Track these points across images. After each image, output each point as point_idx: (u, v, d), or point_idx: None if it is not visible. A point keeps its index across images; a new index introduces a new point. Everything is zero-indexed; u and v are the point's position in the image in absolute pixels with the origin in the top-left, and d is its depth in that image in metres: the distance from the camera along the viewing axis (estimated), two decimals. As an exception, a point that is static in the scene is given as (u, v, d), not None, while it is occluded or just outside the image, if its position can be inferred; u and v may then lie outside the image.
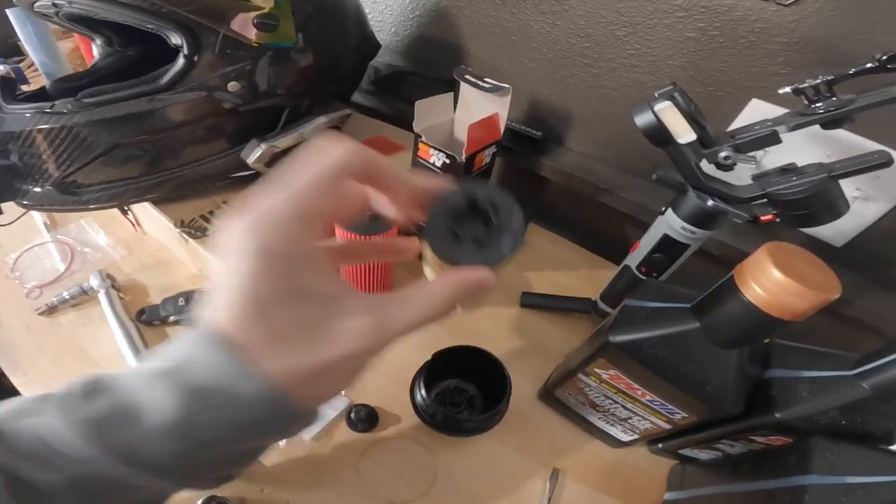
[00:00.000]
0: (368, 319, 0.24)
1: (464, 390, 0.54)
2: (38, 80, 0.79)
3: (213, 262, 0.25)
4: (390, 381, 0.54)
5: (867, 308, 0.55)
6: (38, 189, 0.47)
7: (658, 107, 0.42)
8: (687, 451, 0.49)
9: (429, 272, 0.36)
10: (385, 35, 0.78)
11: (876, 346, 0.54)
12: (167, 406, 0.23)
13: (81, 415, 0.23)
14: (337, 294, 0.25)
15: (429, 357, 0.51)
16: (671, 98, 0.42)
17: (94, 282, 0.56)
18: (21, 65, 0.79)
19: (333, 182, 0.24)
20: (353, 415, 0.51)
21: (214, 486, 0.29)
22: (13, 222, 0.51)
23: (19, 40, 0.69)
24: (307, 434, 0.50)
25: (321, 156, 0.24)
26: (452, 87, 0.75)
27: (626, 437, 0.49)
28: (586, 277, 0.70)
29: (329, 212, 0.24)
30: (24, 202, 0.48)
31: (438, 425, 0.47)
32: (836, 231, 0.56)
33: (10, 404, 0.26)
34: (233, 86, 0.48)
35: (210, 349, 0.23)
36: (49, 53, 0.70)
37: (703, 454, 0.47)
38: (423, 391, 0.48)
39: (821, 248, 0.58)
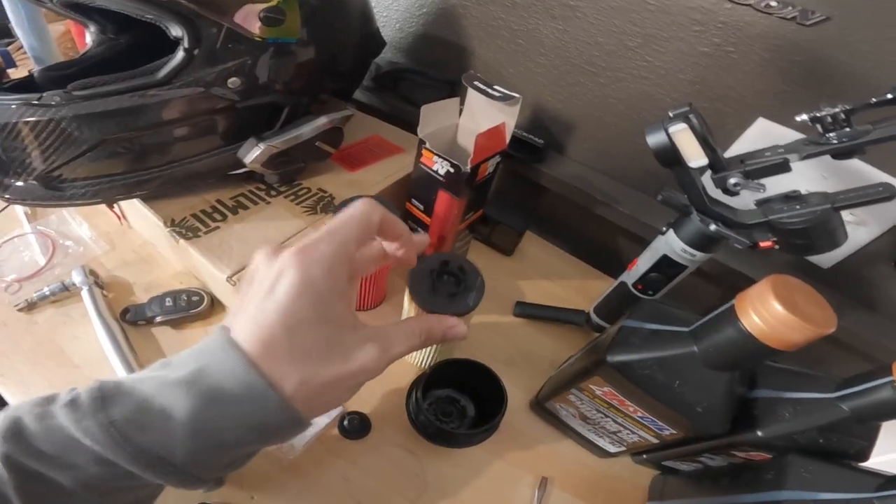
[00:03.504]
0: (376, 346, 0.31)
1: (456, 400, 0.54)
2: (25, 63, 0.76)
3: (245, 279, 0.31)
4: (383, 389, 0.54)
5: (847, 328, 0.56)
6: (20, 183, 0.45)
7: (672, 128, 0.41)
8: (669, 463, 0.50)
9: (408, 311, 0.48)
10: (389, 31, 0.76)
11: (852, 364, 0.56)
12: (187, 409, 0.26)
13: (102, 418, 0.26)
14: (354, 324, 0.31)
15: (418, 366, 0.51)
16: (686, 120, 0.41)
17: (77, 278, 0.54)
18: (9, 48, 0.76)
19: (363, 231, 0.32)
20: (346, 422, 0.50)
21: (211, 487, 0.32)
22: (-5, 215, 0.49)
23: (9, 22, 0.66)
24: (299, 441, 0.49)
25: (352, 211, 0.32)
26: (453, 87, 0.74)
27: (613, 449, 0.50)
28: (579, 288, 0.70)
29: (358, 256, 0.32)
30: (6, 196, 0.45)
31: (432, 437, 0.48)
32: (826, 254, 0.57)
33: (28, 405, 0.28)
34: (233, 82, 0.46)
35: (233, 358, 0.27)
36: (39, 37, 0.67)
37: (685, 466, 0.49)
38: (419, 402, 0.48)
39: (807, 269, 0.59)
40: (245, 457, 0.31)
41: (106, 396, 0.27)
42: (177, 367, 0.28)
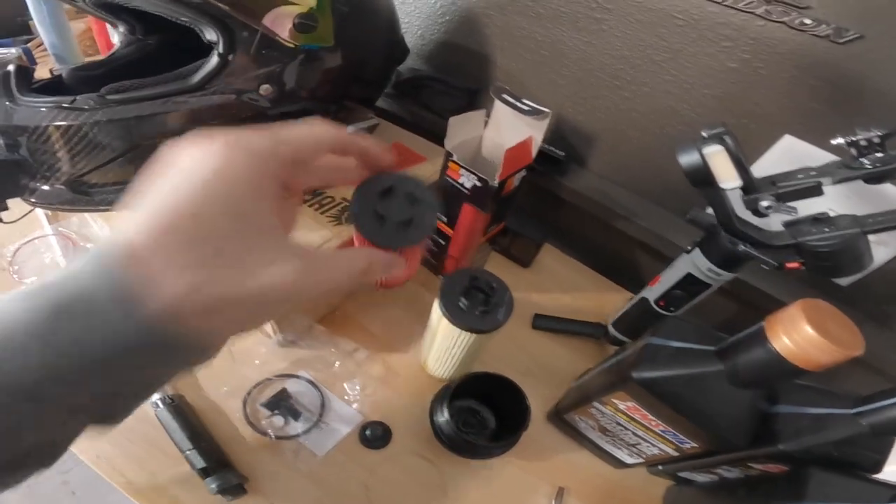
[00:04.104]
0: (298, 264, 0.24)
1: (477, 412, 0.54)
2: (45, 61, 0.75)
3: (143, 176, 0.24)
4: (403, 399, 0.54)
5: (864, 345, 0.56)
6: (47, 187, 0.45)
7: (707, 150, 0.41)
8: (685, 474, 0.51)
9: (435, 326, 0.48)
10: (411, 38, 0.75)
11: (866, 379, 0.57)
12: (27, 321, 0.20)
13: None
14: (276, 235, 0.24)
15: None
16: (722, 141, 0.41)
17: (99, 281, 0.54)
18: (30, 45, 0.75)
19: (317, 147, 0.26)
20: (368, 432, 0.51)
21: (97, 424, 0.25)
22: (19, 220, 0.48)
23: (29, 19, 0.65)
24: (319, 450, 0.49)
25: (313, 124, 0.26)
26: (474, 95, 0.74)
27: (630, 460, 0.51)
28: (596, 301, 0.70)
29: (302, 165, 0.26)
30: (32, 200, 0.45)
31: (456, 448, 0.48)
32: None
33: None
34: (265, 89, 0.46)
35: (96, 263, 0.21)
36: (61, 35, 0.67)
37: (701, 477, 0.49)
38: (445, 413, 0.48)
39: (825, 286, 0.59)
40: (123, 386, 0.24)
41: None
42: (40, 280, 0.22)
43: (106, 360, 0.21)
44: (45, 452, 0.26)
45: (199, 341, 0.23)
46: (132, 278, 0.21)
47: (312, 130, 0.26)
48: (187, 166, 0.22)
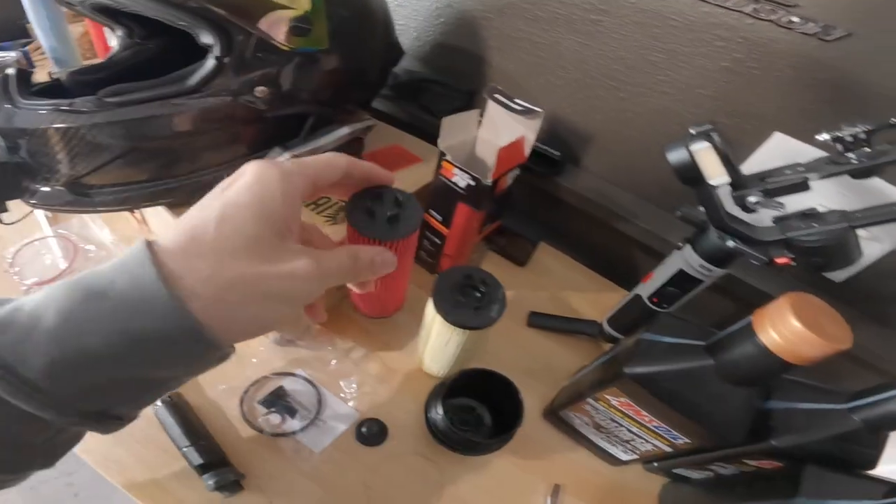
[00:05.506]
0: (310, 258, 0.28)
1: (473, 409, 0.55)
2: (43, 64, 0.76)
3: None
4: (398, 397, 0.54)
5: (858, 342, 0.55)
6: (47, 188, 0.45)
7: (695, 147, 0.42)
8: (681, 471, 0.51)
9: (430, 322, 0.49)
10: (407, 39, 0.76)
11: (862, 377, 0.57)
12: (59, 308, 0.22)
13: None
14: (290, 238, 0.28)
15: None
16: (709, 138, 0.41)
17: (99, 282, 0.54)
18: (28, 48, 0.76)
19: (333, 172, 0.32)
20: (364, 429, 0.51)
21: (94, 424, 0.26)
22: (19, 221, 0.49)
23: (28, 22, 0.66)
24: (316, 447, 0.50)
25: (331, 155, 0.33)
26: (472, 97, 0.74)
27: (625, 457, 0.51)
28: (592, 299, 0.71)
29: (320, 185, 0.31)
30: (33, 201, 0.46)
31: (451, 444, 0.49)
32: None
33: None
34: (260, 91, 0.46)
35: (135, 254, 0.24)
36: (60, 39, 0.67)
37: (696, 474, 0.50)
38: (440, 410, 0.49)
39: (820, 283, 0.59)
40: (136, 386, 0.26)
41: None
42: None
43: (108, 350, 0.23)
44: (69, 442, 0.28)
45: (207, 331, 0.24)
46: (156, 272, 0.23)
47: (329, 160, 0.32)
48: (240, 178, 0.28)
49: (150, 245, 0.24)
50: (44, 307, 0.22)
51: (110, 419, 0.26)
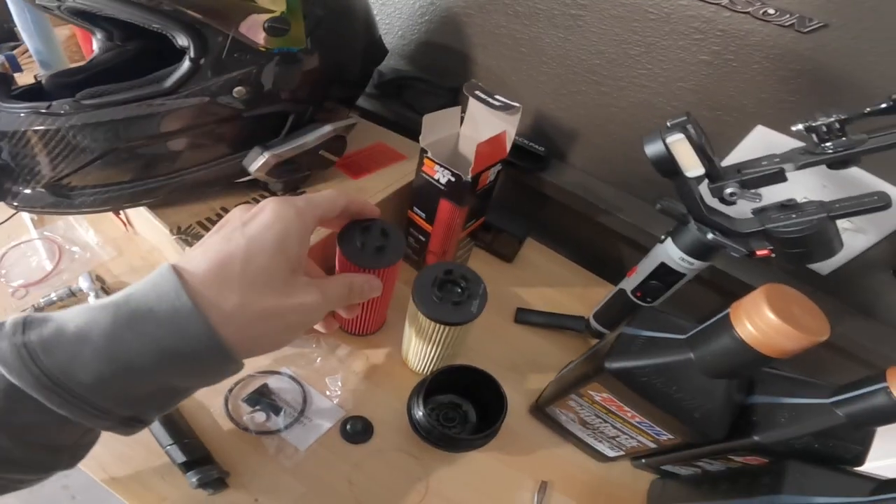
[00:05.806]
0: (317, 290, 0.33)
1: (458, 405, 0.55)
2: (30, 67, 0.76)
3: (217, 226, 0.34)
4: (384, 394, 0.54)
5: (845, 335, 0.56)
6: (28, 191, 0.46)
7: (670, 139, 0.42)
8: (668, 467, 0.51)
9: (409, 334, 0.52)
10: (391, 38, 0.76)
11: (850, 371, 0.56)
12: (104, 330, 0.25)
13: (17, 340, 0.25)
14: (301, 271, 0.33)
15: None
16: (683, 130, 0.42)
17: (84, 283, 0.55)
18: (15, 52, 0.76)
19: (330, 205, 0.37)
20: (348, 426, 0.51)
21: (124, 428, 0.29)
22: (4, 222, 0.49)
23: (15, 26, 0.66)
24: (301, 445, 0.50)
25: (333, 194, 0.37)
26: (457, 94, 0.74)
27: (611, 453, 0.51)
28: (579, 295, 0.71)
29: (325, 221, 0.38)
30: (15, 203, 0.46)
31: (434, 441, 0.49)
32: (825, 261, 0.57)
33: None
34: (238, 91, 0.46)
35: (169, 280, 0.27)
36: (45, 42, 0.67)
37: (684, 470, 0.50)
38: (421, 407, 0.49)
39: (806, 275, 0.59)
40: (164, 394, 0.30)
41: (29, 321, 0.26)
42: (115, 293, 0.27)
43: (150, 367, 0.26)
44: (86, 444, 0.32)
45: (233, 352, 0.29)
46: (190, 299, 0.27)
47: (332, 199, 0.37)
48: (260, 214, 0.32)
49: (180, 273, 0.27)
50: (87, 329, 0.25)
51: (139, 423, 0.30)
